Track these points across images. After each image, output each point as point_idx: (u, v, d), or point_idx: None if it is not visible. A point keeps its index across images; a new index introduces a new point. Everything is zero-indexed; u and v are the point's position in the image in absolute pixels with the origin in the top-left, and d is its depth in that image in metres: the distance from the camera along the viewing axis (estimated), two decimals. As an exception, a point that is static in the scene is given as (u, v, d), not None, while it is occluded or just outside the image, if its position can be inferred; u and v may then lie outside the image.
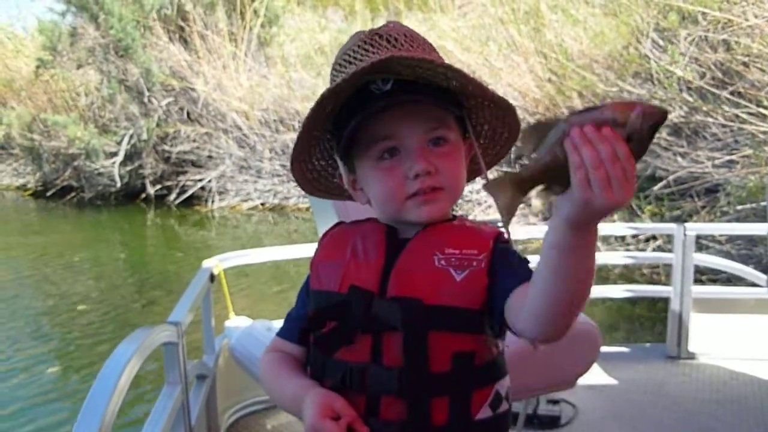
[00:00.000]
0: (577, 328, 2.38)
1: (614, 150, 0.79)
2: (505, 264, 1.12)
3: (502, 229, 1.18)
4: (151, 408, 1.89)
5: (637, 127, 0.79)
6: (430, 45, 1.22)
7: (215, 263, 2.65)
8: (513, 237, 1.18)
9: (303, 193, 1.35)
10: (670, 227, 3.28)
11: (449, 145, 1.19)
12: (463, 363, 1.13)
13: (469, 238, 1.17)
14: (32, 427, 4.52)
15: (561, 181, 0.82)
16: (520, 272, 1.10)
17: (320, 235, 1.35)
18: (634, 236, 6.63)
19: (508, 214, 0.89)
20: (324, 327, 1.18)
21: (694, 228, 3.26)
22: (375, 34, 1.18)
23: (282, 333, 1.30)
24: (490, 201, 9.30)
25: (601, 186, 0.79)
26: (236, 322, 2.81)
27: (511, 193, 0.88)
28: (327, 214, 2.13)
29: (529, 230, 3.28)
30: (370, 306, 1.14)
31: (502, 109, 1.24)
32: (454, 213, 1.26)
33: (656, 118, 0.79)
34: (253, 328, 2.73)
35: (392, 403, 1.12)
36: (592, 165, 0.78)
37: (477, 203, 9.71)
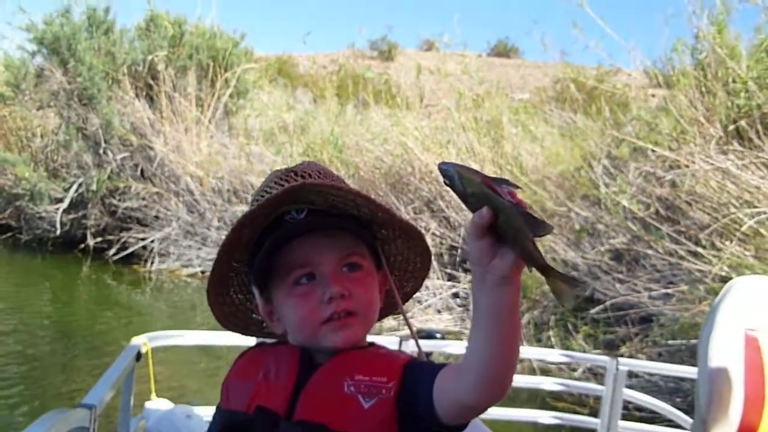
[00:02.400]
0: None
1: None
2: (419, 371, 1.14)
3: (414, 356, 1.21)
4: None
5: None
6: (342, 179, 1.28)
7: (144, 341, 2.57)
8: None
9: None
10: (603, 359, 3.33)
11: (363, 272, 1.22)
12: None
13: (379, 365, 1.18)
14: None
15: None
16: (437, 365, 1.13)
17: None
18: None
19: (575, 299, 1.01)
20: None
21: (626, 363, 3.30)
22: (291, 171, 1.24)
23: None
24: (430, 300, 9.33)
25: None
26: (157, 404, 2.71)
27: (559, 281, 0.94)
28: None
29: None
30: (275, 428, 1.13)
31: (412, 238, 1.28)
32: (368, 341, 1.28)
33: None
34: (172, 413, 2.64)
35: None
36: None
37: (417, 301, 9.74)
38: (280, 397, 1.16)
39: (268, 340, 1.33)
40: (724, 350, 2.84)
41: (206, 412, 2.82)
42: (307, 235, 1.19)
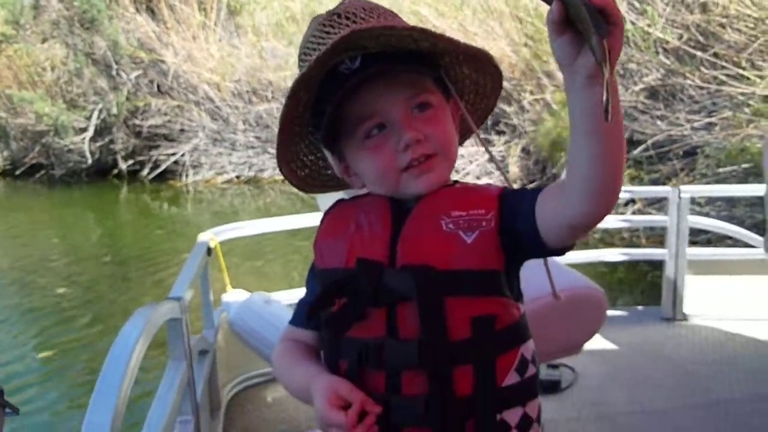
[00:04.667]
0: (583, 293, 2.34)
1: None
2: (515, 198, 1.09)
3: (504, 185, 1.16)
4: (157, 384, 1.84)
5: None
6: (392, 12, 1.18)
7: (210, 236, 2.59)
8: None
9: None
10: (665, 190, 3.28)
11: (434, 109, 1.15)
12: (483, 328, 1.08)
13: (474, 199, 1.13)
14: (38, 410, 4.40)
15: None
16: (533, 190, 1.08)
17: (321, 209, 1.30)
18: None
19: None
20: (333, 305, 1.13)
21: (688, 190, 3.25)
22: (333, 14, 1.14)
23: (293, 320, 1.27)
24: (468, 168, 9.27)
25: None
26: (234, 295, 2.76)
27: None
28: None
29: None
30: (380, 278, 1.09)
31: (479, 60, 1.20)
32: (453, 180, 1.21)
33: None
34: (251, 300, 2.68)
35: (413, 377, 1.07)
36: None
37: (455, 171, 9.68)
38: (379, 246, 1.12)
39: (347, 196, 1.28)
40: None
41: (283, 297, 2.87)
42: (368, 83, 1.12)
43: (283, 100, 1.14)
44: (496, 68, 1.22)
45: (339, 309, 1.13)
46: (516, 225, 1.07)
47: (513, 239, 1.09)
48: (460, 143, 1.26)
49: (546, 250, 1.08)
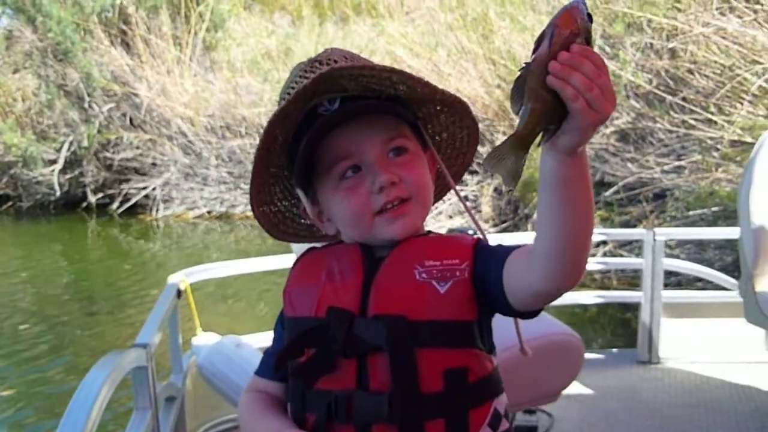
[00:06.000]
0: (560, 340, 2.33)
1: (592, 63, 0.78)
2: (487, 254, 1.08)
3: (478, 236, 1.15)
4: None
5: (588, 27, 0.79)
6: (371, 61, 1.18)
7: (181, 278, 2.52)
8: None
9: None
10: (639, 232, 3.30)
11: (410, 154, 1.14)
12: (456, 381, 1.06)
13: (448, 248, 1.11)
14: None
15: (554, 120, 0.81)
16: (504, 249, 1.07)
17: (294, 251, 1.27)
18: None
19: (514, 179, 0.86)
20: (302, 355, 1.09)
21: (663, 233, 3.27)
22: (314, 61, 1.14)
23: (259, 370, 1.23)
24: (440, 207, 9.30)
25: (598, 102, 0.78)
26: (204, 338, 2.68)
27: (515, 156, 0.85)
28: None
29: (502, 239, 3.24)
30: (351, 327, 1.06)
31: (456, 111, 1.20)
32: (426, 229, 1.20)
33: (586, 6, 0.80)
34: (221, 344, 2.61)
35: (383, 431, 1.04)
36: (585, 88, 0.77)
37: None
38: (351, 295, 1.09)
39: (318, 245, 1.25)
40: (765, 203, 2.79)
41: (254, 340, 2.80)
42: (345, 125, 1.10)
43: (258, 137, 1.13)
44: (473, 121, 1.22)
45: (308, 359, 1.09)
46: (486, 283, 1.06)
47: (484, 294, 1.07)
48: (437, 199, 1.25)
49: (513, 312, 1.08)
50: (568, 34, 0.78)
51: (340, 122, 1.10)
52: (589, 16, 0.79)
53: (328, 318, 1.08)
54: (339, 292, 1.10)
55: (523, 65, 0.81)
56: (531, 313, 1.07)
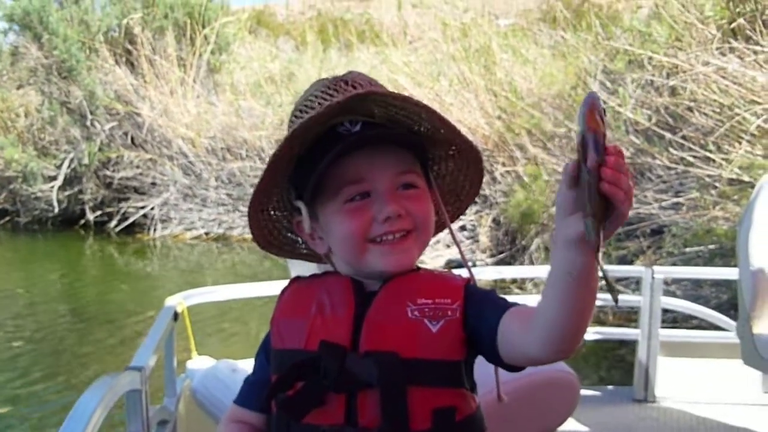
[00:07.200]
0: (556, 377, 2.33)
1: (623, 160, 0.85)
2: (481, 301, 1.09)
3: (467, 276, 1.16)
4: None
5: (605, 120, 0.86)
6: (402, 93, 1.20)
7: (179, 300, 2.51)
8: (486, 277, 1.17)
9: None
10: (638, 270, 3.30)
11: (418, 190, 1.15)
12: (444, 420, 1.07)
13: (439, 287, 1.12)
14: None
15: (604, 221, 0.86)
16: (500, 302, 1.08)
17: (291, 275, 1.28)
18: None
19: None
20: (290, 389, 1.09)
21: (662, 271, 3.28)
22: (340, 80, 1.14)
23: (239, 400, 1.22)
24: (438, 236, 9.30)
25: (631, 199, 0.85)
26: (199, 362, 2.67)
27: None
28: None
29: (500, 270, 3.25)
30: (343, 362, 1.06)
31: (466, 158, 1.21)
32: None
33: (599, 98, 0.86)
34: (216, 369, 2.60)
35: None
36: (628, 189, 0.83)
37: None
38: (342, 330, 1.09)
39: (303, 276, 1.25)
40: (765, 245, 2.80)
41: (250, 365, 2.78)
42: (362, 150, 1.10)
43: (259, 160, 1.13)
44: (480, 171, 1.23)
45: (296, 393, 1.09)
46: (478, 329, 1.07)
47: (474, 338, 1.07)
48: (431, 236, 1.26)
49: (499, 363, 1.09)
50: (603, 137, 0.82)
51: (361, 146, 1.10)
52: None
53: (320, 352, 1.08)
54: (330, 326, 1.10)
55: (581, 167, 0.84)
56: (517, 368, 1.08)
